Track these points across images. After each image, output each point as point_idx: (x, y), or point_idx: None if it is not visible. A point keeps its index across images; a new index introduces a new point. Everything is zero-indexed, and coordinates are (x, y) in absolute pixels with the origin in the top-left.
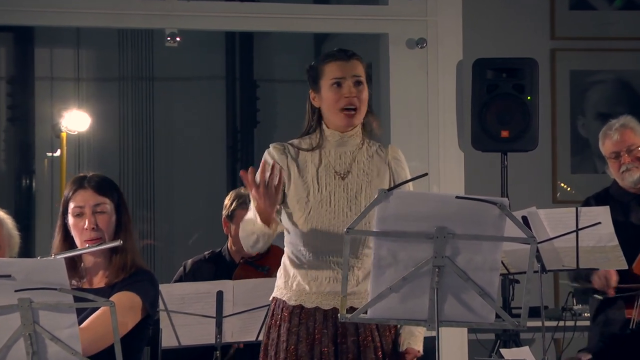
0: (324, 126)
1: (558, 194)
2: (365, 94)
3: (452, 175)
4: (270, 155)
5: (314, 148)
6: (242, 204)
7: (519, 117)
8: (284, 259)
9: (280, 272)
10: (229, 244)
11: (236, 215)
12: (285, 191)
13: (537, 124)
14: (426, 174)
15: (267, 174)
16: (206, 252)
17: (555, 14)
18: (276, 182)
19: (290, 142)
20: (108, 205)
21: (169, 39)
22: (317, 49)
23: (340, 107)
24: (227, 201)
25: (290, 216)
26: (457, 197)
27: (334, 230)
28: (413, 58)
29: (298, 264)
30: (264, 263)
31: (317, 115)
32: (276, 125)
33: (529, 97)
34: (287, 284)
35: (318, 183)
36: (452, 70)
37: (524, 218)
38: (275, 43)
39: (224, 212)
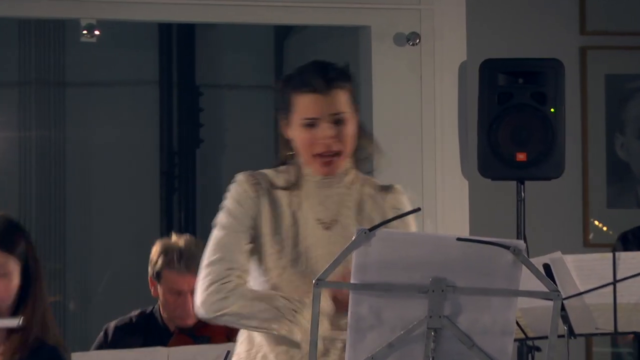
0: (301, 162)
1: (590, 235)
2: (349, 129)
3: (453, 211)
4: (240, 188)
5: (290, 187)
6: (170, 262)
7: (539, 135)
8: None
9: (241, 337)
10: (160, 307)
11: (163, 277)
12: (256, 234)
13: (563, 144)
14: (419, 209)
15: None
16: (133, 313)
17: (586, 2)
18: None
19: (261, 171)
20: (11, 264)
21: (85, 32)
22: (278, 47)
23: (314, 153)
24: (153, 254)
25: (259, 269)
26: (459, 239)
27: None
28: (403, 58)
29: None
30: (204, 332)
31: (293, 150)
32: (224, 144)
33: (552, 109)
34: (249, 353)
35: (295, 234)
36: (454, 74)
37: (546, 266)
38: (223, 39)
39: (150, 269)
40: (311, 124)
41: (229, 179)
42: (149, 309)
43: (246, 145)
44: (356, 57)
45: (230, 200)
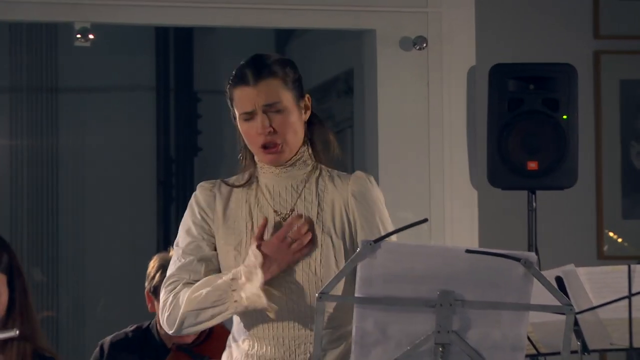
0: (256, 159)
1: (605, 247)
2: (290, 119)
3: (462, 221)
4: (195, 198)
5: (246, 183)
6: None
7: (551, 143)
8: (229, 338)
9: (223, 357)
10: (157, 323)
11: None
12: (215, 241)
13: (577, 152)
14: (426, 220)
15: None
16: (129, 328)
17: (600, 4)
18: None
19: (226, 179)
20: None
21: (79, 36)
22: (279, 52)
23: (257, 144)
24: (150, 269)
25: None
26: (468, 251)
27: (280, 297)
28: (409, 63)
29: (239, 344)
30: (204, 351)
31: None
32: (224, 153)
33: (564, 116)
34: None
35: (252, 229)
36: (462, 80)
37: (559, 279)
38: (221, 43)
39: (147, 284)
40: (248, 117)
41: None
42: (145, 324)
43: None
44: (360, 62)
45: (186, 212)
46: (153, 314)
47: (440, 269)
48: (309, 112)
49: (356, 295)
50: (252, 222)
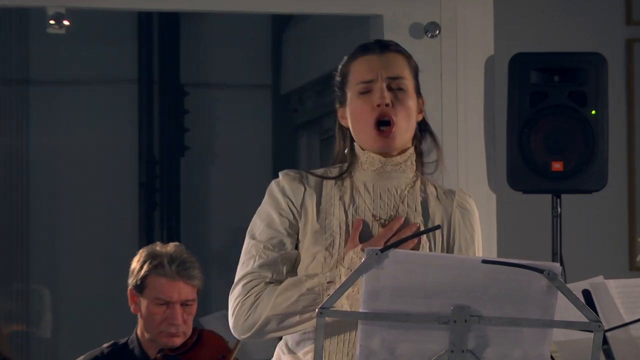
0: (357, 149)
1: (638, 258)
2: (409, 103)
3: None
4: (279, 187)
5: (342, 175)
6: (159, 266)
7: (578, 142)
8: (279, 349)
9: None
10: (138, 331)
11: (149, 285)
12: (299, 238)
13: (607, 151)
14: (439, 227)
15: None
16: (105, 345)
17: None
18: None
19: (313, 170)
20: None
21: (52, 22)
22: (276, 40)
23: (370, 122)
24: (135, 264)
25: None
26: (485, 262)
27: None
28: (420, 52)
29: (298, 356)
30: (192, 358)
31: (350, 141)
32: (214, 152)
33: (593, 112)
34: None
35: (347, 231)
36: (479, 71)
37: (586, 293)
38: (211, 31)
39: (131, 281)
40: (366, 89)
41: (219, 193)
42: (122, 341)
43: (240, 154)
44: None
45: (265, 201)
46: (133, 326)
47: (455, 281)
48: (421, 116)
49: (361, 310)
50: (347, 223)
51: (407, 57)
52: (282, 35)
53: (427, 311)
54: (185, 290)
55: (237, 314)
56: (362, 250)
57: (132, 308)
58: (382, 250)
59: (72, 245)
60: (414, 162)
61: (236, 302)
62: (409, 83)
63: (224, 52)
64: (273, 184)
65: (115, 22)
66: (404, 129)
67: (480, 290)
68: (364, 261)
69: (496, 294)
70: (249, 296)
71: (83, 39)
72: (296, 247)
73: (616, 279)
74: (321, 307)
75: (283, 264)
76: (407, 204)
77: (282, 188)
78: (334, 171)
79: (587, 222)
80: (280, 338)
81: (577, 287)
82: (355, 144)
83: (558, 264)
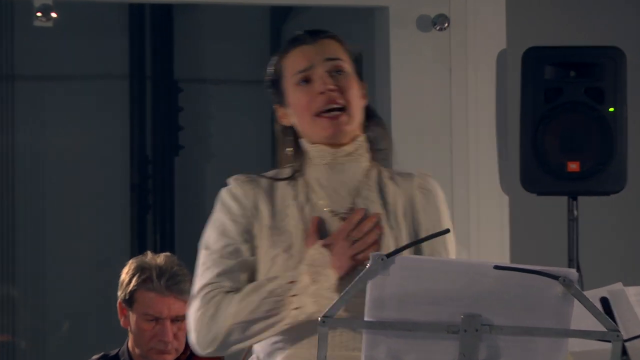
0: (305, 145)
1: None
2: (354, 85)
3: (490, 233)
4: (230, 193)
5: (294, 176)
6: (147, 280)
7: (595, 141)
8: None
9: None
10: (129, 344)
11: (137, 300)
12: (256, 244)
13: (625, 150)
14: (448, 231)
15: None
16: (95, 357)
17: None
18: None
19: (263, 173)
20: None
21: (39, 14)
22: (275, 34)
23: (315, 111)
24: (124, 276)
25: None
26: (497, 268)
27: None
28: (428, 46)
29: None
30: None
31: (294, 138)
32: (211, 151)
33: (611, 109)
34: None
35: (305, 230)
36: (490, 66)
37: (604, 300)
38: (207, 24)
39: (120, 294)
40: (305, 78)
41: (215, 194)
42: (113, 352)
43: (236, 153)
44: (371, 45)
45: (216, 209)
46: (124, 336)
47: (465, 288)
48: (365, 101)
49: (365, 319)
50: (304, 222)
51: (341, 41)
52: (282, 27)
53: (435, 320)
54: (175, 306)
55: (197, 328)
56: (323, 246)
57: (121, 321)
58: (388, 256)
59: (60, 251)
60: (367, 150)
61: (195, 315)
62: (347, 65)
63: (220, 46)
64: (223, 191)
65: (105, 14)
66: (355, 111)
67: (491, 297)
68: (368, 267)
69: (509, 301)
70: (208, 308)
71: (71, 32)
72: (254, 254)
73: (636, 285)
74: (324, 316)
75: (241, 272)
76: (365, 195)
77: (233, 194)
78: (286, 172)
79: (605, 225)
80: (250, 353)
81: (594, 295)
82: (302, 140)
83: (574, 270)
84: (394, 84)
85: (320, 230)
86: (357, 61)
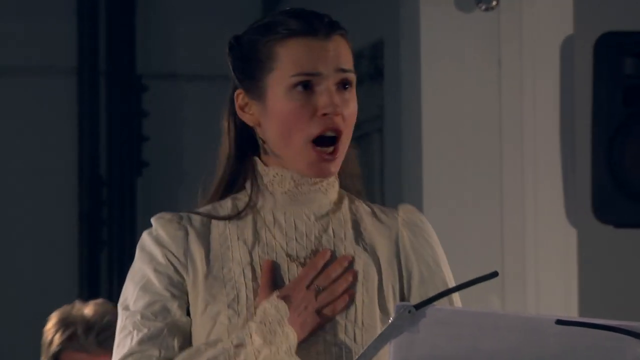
0: (260, 165)
1: None
2: (354, 108)
3: (552, 276)
4: (152, 236)
5: (243, 212)
6: (73, 337)
7: None
8: None
9: None
10: None
11: None
12: (189, 300)
13: None
14: (496, 274)
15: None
16: None
17: None
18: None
19: (196, 210)
20: None
21: None
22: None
23: (311, 135)
24: (47, 333)
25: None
26: (560, 322)
27: None
28: (470, 31)
29: None
30: None
31: (250, 144)
32: (184, 169)
33: None
34: None
35: (256, 279)
36: (553, 56)
37: None
38: (178, 5)
39: (43, 352)
40: (306, 82)
41: None
42: None
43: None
44: (395, 29)
45: (137, 258)
46: None
47: (519, 348)
48: None
49: None
50: (253, 269)
51: (348, 40)
52: (276, 7)
53: None
54: None
55: None
56: (279, 298)
57: None
58: (417, 307)
59: None
60: (335, 179)
61: None
62: (353, 79)
63: (195, 32)
64: (144, 234)
65: None
66: (346, 143)
67: None
68: (392, 321)
69: None
70: None
71: (10, 17)
72: (188, 313)
73: None
74: None
75: (172, 336)
76: (333, 232)
77: (156, 237)
78: (226, 206)
79: None
80: None
81: None
82: (256, 158)
83: None
84: (424, 80)
85: (274, 278)
86: (376, 49)
